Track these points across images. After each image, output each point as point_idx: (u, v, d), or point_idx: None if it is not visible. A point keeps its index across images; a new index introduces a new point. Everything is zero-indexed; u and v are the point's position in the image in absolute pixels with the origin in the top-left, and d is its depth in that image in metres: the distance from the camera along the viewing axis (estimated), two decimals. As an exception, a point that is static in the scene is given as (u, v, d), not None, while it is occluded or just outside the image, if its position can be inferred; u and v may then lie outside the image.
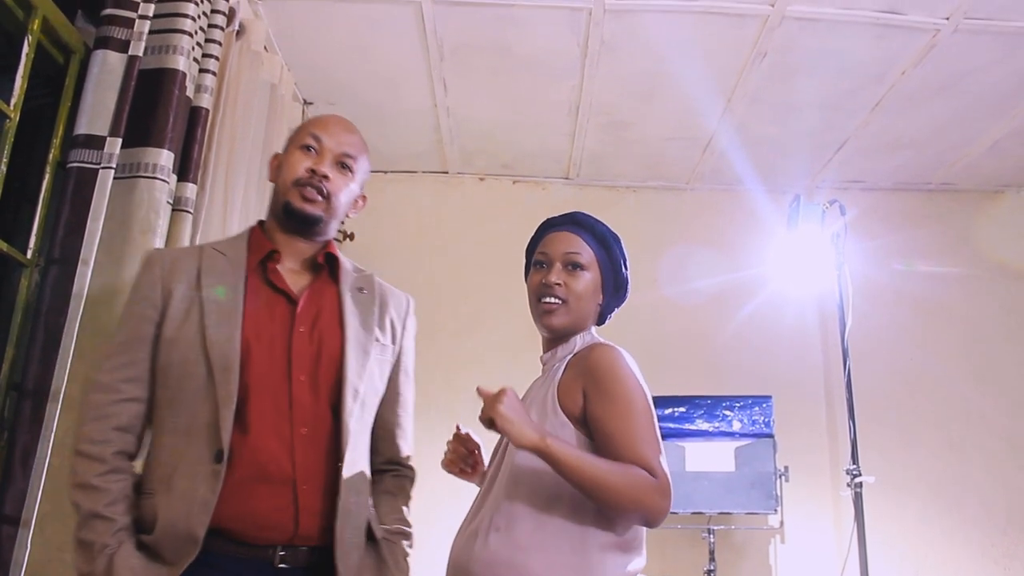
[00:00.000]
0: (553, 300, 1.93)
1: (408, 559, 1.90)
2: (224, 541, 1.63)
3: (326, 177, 1.85)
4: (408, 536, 1.92)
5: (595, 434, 1.77)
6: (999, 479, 3.99)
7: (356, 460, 1.80)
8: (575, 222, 2.01)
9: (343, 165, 1.89)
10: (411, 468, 2.02)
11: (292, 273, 1.87)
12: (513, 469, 1.81)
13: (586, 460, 1.68)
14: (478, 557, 1.74)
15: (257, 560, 1.66)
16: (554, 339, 1.99)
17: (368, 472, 1.86)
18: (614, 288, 2.01)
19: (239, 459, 1.65)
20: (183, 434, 1.68)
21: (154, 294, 1.77)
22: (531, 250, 2.06)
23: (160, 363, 1.74)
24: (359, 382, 1.82)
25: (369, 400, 1.86)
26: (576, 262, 1.95)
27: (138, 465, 1.77)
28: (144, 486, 1.71)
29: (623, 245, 2.03)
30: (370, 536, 1.82)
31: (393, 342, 1.96)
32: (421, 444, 2.09)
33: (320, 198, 1.84)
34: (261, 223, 1.95)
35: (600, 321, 2.04)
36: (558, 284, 1.93)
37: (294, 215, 1.84)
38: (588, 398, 1.80)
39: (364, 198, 2.00)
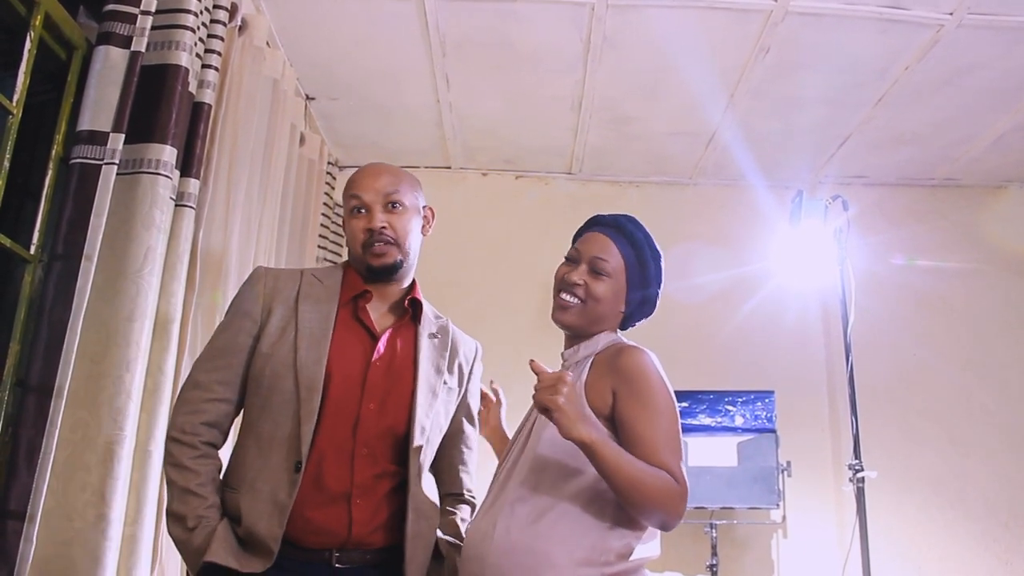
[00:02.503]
0: (571, 299, 1.95)
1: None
2: (285, 545, 1.78)
3: (384, 227, 1.96)
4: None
5: (623, 434, 1.80)
6: (1001, 474, 3.99)
7: (423, 489, 1.95)
8: (618, 227, 2.00)
9: (392, 204, 1.99)
10: (473, 499, 2.15)
11: (380, 314, 2.02)
12: (537, 459, 1.84)
13: (624, 460, 1.71)
14: (497, 545, 1.76)
15: (317, 563, 1.82)
16: (577, 336, 2.00)
17: (436, 500, 2.01)
18: (640, 302, 2.00)
19: (307, 471, 1.82)
20: (267, 440, 1.85)
21: (255, 309, 1.94)
22: (573, 241, 2.06)
23: (254, 373, 1.91)
24: (426, 420, 1.96)
25: (433, 436, 2.00)
26: (602, 268, 1.94)
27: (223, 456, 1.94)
28: (229, 480, 1.88)
29: (662, 263, 2.01)
30: (436, 553, 1.96)
31: (460, 385, 2.11)
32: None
33: (390, 247, 1.97)
34: (349, 263, 2.08)
35: (622, 326, 2.04)
36: (579, 284, 1.94)
37: (376, 272, 1.98)
38: (618, 398, 1.82)
39: (431, 210, 2.13)
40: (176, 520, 1.79)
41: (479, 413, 2.23)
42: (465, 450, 2.15)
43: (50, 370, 2.06)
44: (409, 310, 2.04)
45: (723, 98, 3.60)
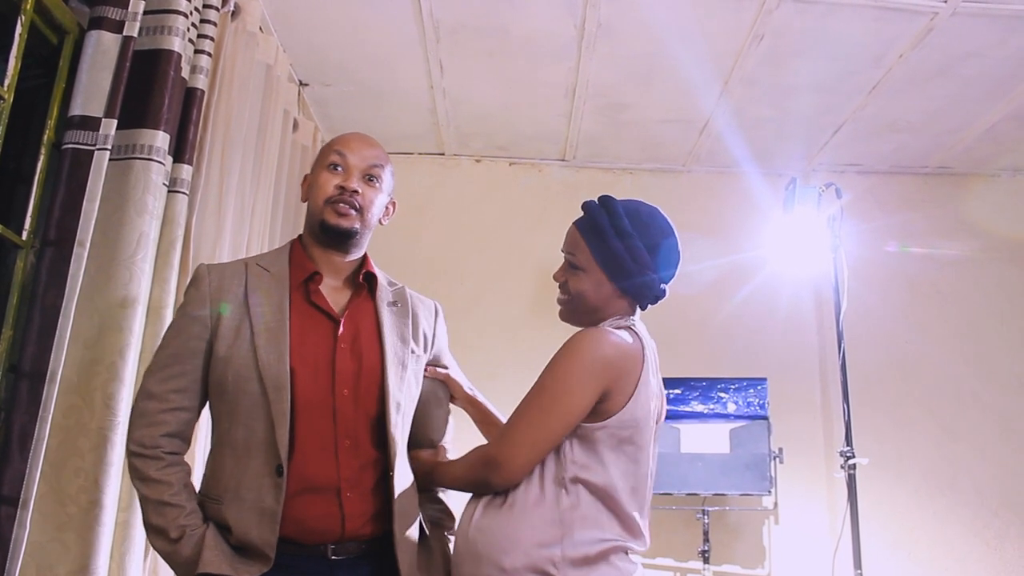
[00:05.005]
0: (561, 296, 1.97)
1: (450, 544, 1.99)
2: (281, 543, 1.74)
3: (356, 191, 1.91)
4: (448, 526, 2.03)
5: None
6: (992, 461, 4.02)
7: (404, 467, 1.91)
8: (584, 216, 1.96)
9: (370, 177, 1.96)
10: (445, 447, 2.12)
11: (333, 291, 1.95)
12: None
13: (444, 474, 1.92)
14: (475, 523, 1.80)
15: (314, 556, 1.78)
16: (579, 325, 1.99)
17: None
18: (624, 274, 1.90)
19: (291, 472, 1.76)
20: (243, 447, 1.78)
21: (203, 312, 1.85)
22: None
23: (215, 379, 1.83)
24: (400, 394, 1.91)
25: (408, 410, 1.96)
26: (575, 263, 1.94)
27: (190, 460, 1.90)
28: (210, 492, 1.82)
29: (640, 241, 1.90)
30: (421, 531, 1.94)
31: (426, 350, 2.05)
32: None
33: (353, 212, 1.92)
34: (300, 238, 2.02)
35: (642, 307, 1.99)
36: (562, 282, 1.96)
37: (330, 231, 1.91)
38: None
39: (394, 203, 2.07)
40: (157, 533, 1.74)
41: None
42: (438, 410, 2.11)
43: (43, 356, 2.06)
44: (365, 284, 1.98)
45: (717, 85, 3.60)
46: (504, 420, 2.01)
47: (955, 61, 3.35)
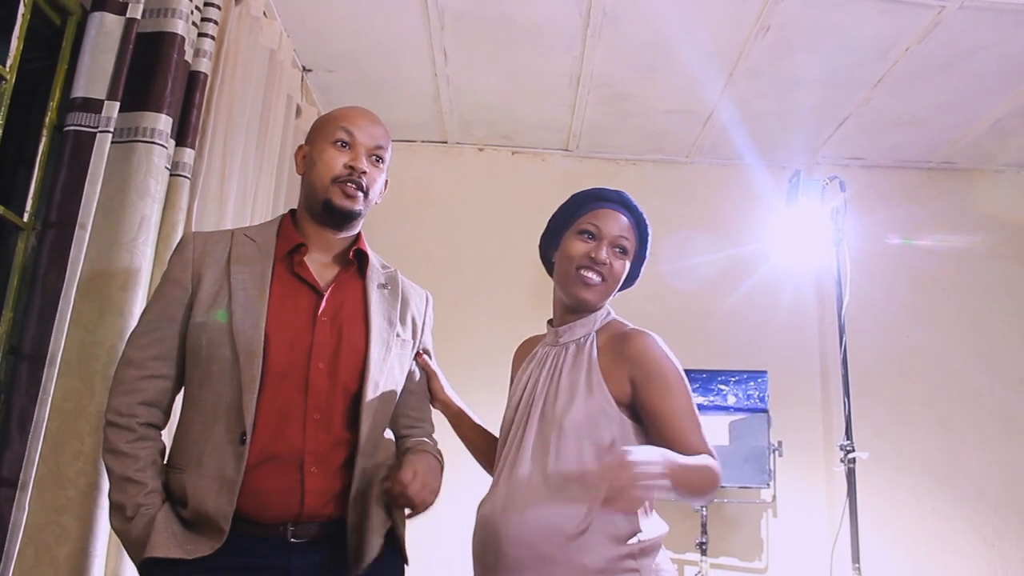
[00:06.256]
0: (596, 277, 1.96)
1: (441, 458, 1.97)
2: (238, 522, 1.69)
3: (364, 172, 1.90)
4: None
5: (649, 420, 1.85)
6: (992, 458, 4.01)
7: (375, 449, 1.86)
8: (627, 206, 2.03)
9: (377, 158, 1.95)
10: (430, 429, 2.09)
11: (321, 266, 1.93)
12: (562, 438, 1.84)
13: (688, 471, 1.71)
14: (522, 522, 1.78)
15: (271, 537, 1.73)
16: (574, 311, 2.01)
17: (388, 461, 1.90)
18: (629, 278, 2.06)
19: (255, 442, 1.72)
20: (210, 413, 1.75)
21: (184, 277, 1.84)
22: (571, 215, 2.04)
23: (190, 344, 1.81)
24: (380, 376, 1.87)
25: (388, 393, 1.91)
26: (624, 247, 1.99)
27: (166, 436, 1.84)
28: (174, 460, 1.79)
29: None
30: (382, 518, 1.85)
31: (413, 337, 2.02)
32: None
33: (360, 193, 1.90)
34: (292, 212, 1.99)
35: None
36: (605, 263, 1.96)
37: (335, 211, 1.90)
38: (638, 386, 1.86)
39: (387, 181, 2.04)
40: (115, 510, 1.71)
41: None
42: (424, 400, 2.09)
43: (43, 338, 2.06)
44: (355, 262, 1.95)
45: (722, 77, 3.59)
46: (478, 423, 2.11)
47: (961, 55, 3.34)
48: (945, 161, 4.34)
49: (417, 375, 2.06)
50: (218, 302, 1.79)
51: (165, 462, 1.80)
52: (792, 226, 3.79)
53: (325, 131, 1.95)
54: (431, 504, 1.80)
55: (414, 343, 2.02)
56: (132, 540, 1.69)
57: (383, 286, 1.98)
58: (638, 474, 1.57)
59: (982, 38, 3.21)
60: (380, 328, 1.90)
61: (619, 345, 1.91)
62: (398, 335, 1.95)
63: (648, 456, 1.62)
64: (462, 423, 2.15)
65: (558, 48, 3.42)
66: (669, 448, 1.74)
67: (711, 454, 1.80)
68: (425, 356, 2.09)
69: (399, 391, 1.96)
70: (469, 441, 2.17)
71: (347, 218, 1.91)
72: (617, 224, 1.98)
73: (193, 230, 2.46)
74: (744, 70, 3.51)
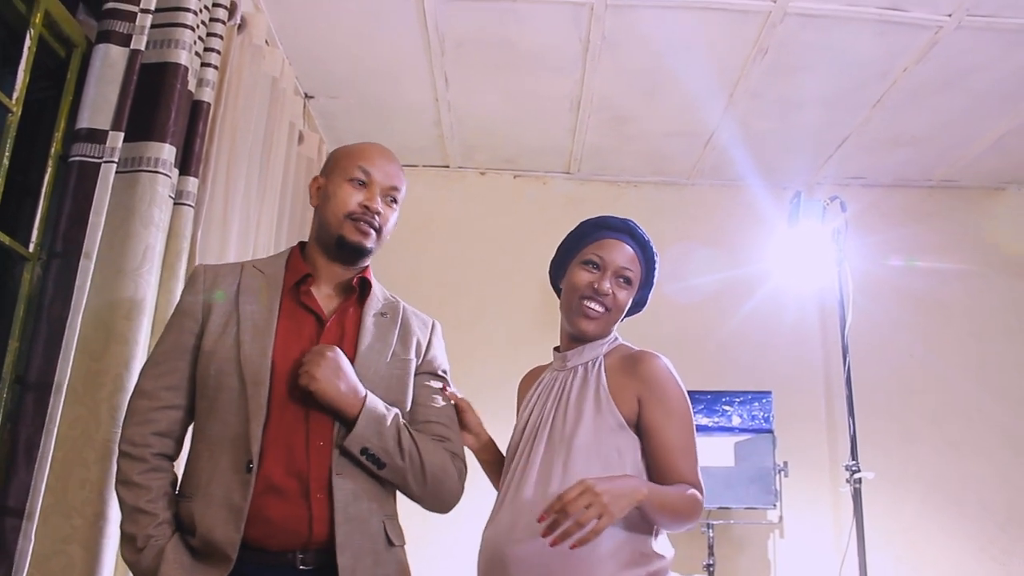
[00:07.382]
0: (599, 308, 1.98)
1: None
2: (247, 550, 1.70)
3: (379, 213, 1.92)
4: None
5: (650, 441, 1.88)
6: (998, 476, 4.00)
7: (361, 470, 1.82)
8: (633, 236, 2.04)
9: (392, 199, 1.97)
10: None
11: (326, 296, 1.94)
12: (571, 462, 1.85)
13: (668, 500, 1.78)
14: (523, 554, 1.79)
15: (280, 565, 1.73)
16: (578, 340, 2.03)
17: (383, 484, 1.87)
18: (636, 304, 2.09)
19: (261, 470, 1.73)
20: (217, 443, 1.77)
21: (195, 308, 1.87)
22: (577, 244, 2.05)
23: (200, 374, 1.83)
24: (375, 395, 1.85)
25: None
26: (628, 277, 2.00)
27: (178, 467, 1.86)
28: (184, 488, 1.80)
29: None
30: (389, 543, 1.84)
31: (418, 356, 2.00)
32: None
33: (373, 232, 1.92)
34: (302, 244, 2.01)
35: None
36: (607, 294, 1.97)
37: (347, 247, 1.92)
38: (644, 406, 1.89)
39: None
40: (126, 541, 1.73)
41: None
42: (436, 400, 2.01)
43: (49, 367, 2.06)
44: (357, 290, 1.96)
45: (722, 99, 3.61)
46: (498, 448, 2.09)
47: (960, 74, 3.36)
48: (946, 180, 4.35)
49: (439, 402, 2.01)
50: (227, 332, 1.82)
51: (178, 493, 1.81)
52: (794, 246, 3.79)
53: (342, 167, 1.96)
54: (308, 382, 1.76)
55: (417, 360, 2.00)
56: (142, 571, 1.70)
57: (382, 314, 1.97)
58: (599, 503, 1.61)
59: (981, 57, 3.23)
60: (368, 352, 1.89)
61: (629, 365, 1.94)
62: (395, 354, 1.94)
63: (613, 485, 1.66)
64: (485, 448, 2.13)
65: (558, 72, 3.45)
66: (658, 472, 1.82)
67: (698, 484, 1.83)
68: (453, 390, 2.06)
69: (406, 407, 1.94)
70: (488, 464, 2.15)
71: (358, 254, 1.93)
72: (622, 254, 1.99)
73: (197, 258, 2.48)
74: (744, 92, 3.53)
